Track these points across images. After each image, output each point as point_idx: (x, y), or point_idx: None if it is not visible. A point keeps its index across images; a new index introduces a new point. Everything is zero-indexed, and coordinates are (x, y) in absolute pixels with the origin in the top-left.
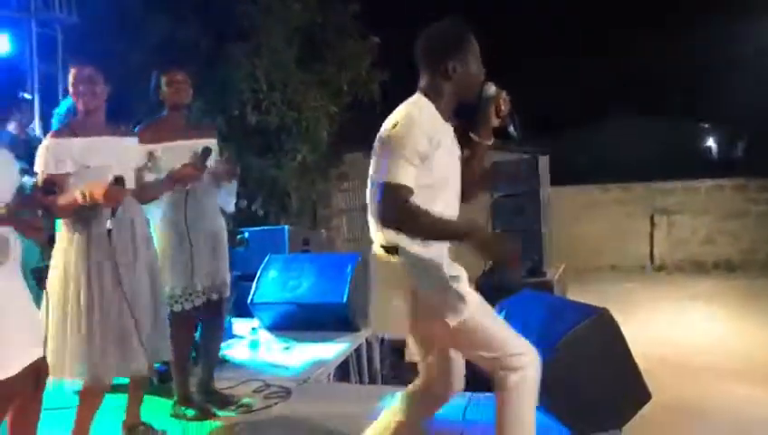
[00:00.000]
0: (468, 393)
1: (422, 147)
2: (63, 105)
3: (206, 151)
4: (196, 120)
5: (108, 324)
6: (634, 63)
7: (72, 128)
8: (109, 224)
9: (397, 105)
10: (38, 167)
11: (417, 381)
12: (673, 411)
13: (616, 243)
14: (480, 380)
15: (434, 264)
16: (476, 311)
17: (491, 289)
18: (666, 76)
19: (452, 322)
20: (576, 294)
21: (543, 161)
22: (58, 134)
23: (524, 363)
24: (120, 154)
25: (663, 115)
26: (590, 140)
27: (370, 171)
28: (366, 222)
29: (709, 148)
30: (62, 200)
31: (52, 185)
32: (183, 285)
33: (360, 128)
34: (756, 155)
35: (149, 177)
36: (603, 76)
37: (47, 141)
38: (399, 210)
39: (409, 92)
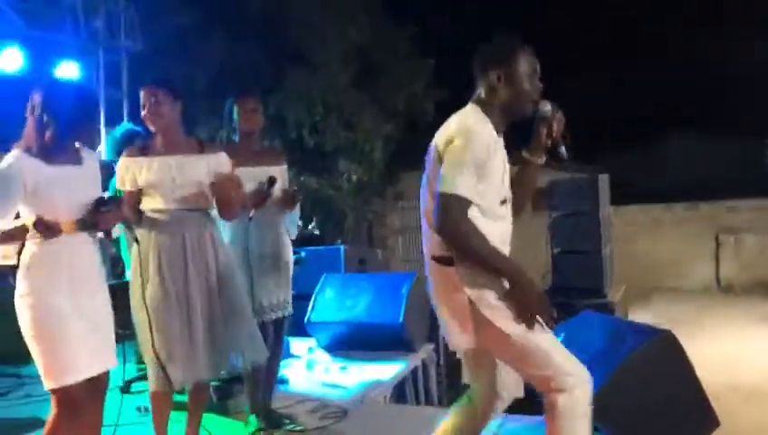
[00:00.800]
0: (503, 415)
1: (480, 155)
2: (120, 129)
3: (272, 180)
4: (268, 146)
5: (174, 331)
6: (697, 78)
7: (142, 148)
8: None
9: None
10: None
11: (465, 397)
12: None
13: (680, 263)
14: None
15: (487, 275)
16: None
17: (557, 307)
18: (730, 91)
19: (508, 329)
20: (638, 317)
21: (603, 180)
22: (129, 153)
23: (574, 384)
24: (185, 171)
25: (726, 132)
26: (652, 158)
27: (424, 181)
28: (421, 242)
29: None
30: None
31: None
32: (257, 299)
33: (415, 148)
34: None
35: None
36: (666, 91)
37: (120, 160)
38: (456, 225)
39: None
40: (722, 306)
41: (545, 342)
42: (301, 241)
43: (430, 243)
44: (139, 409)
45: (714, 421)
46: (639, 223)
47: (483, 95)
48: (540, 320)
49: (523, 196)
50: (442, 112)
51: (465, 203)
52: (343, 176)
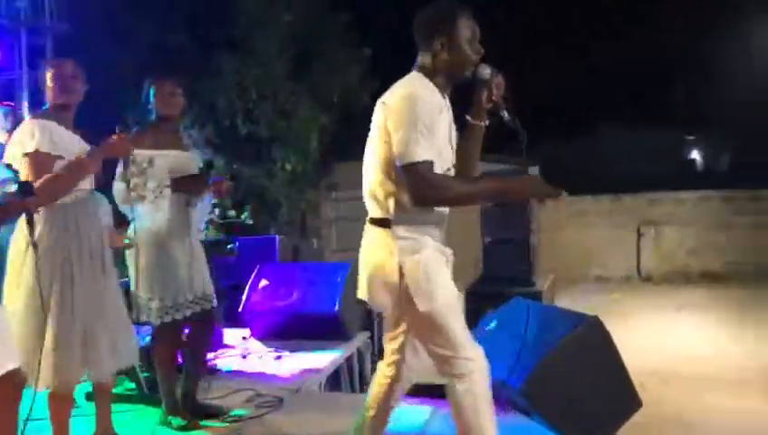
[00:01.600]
0: (432, 404)
1: (428, 118)
2: None
3: (210, 165)
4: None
5: (69, 327)
6: (624, 74)
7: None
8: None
9: None
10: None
11: (378, 370)
12: (662, 421)
13: (604, 253)
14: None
15: (422, 245)
16: (446, 306)
17: (481, 297)
18: (655, 88)
19: (422, 307)
20: (564, 304)
21: (533, 171)
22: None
23: (472, 368)
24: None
25: (650, 127)
26: (580, 151)
27: (370, 149)
28: (356, 232)
29: (694, 160)
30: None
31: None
32: (170, 295)
33: (350, 139)
34: (741, 167)
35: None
36: (594, 86)
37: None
38: (431, 186)
39: None
40: (642, 295)
41: (455, 323)
42: (234, 231)
43: (369, 206)
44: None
45: (637, 402)
46: (567, 214)
47: (426, 62)
48: None
49: (468, 160)
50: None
51: (428, 165)
52: (278, 165)
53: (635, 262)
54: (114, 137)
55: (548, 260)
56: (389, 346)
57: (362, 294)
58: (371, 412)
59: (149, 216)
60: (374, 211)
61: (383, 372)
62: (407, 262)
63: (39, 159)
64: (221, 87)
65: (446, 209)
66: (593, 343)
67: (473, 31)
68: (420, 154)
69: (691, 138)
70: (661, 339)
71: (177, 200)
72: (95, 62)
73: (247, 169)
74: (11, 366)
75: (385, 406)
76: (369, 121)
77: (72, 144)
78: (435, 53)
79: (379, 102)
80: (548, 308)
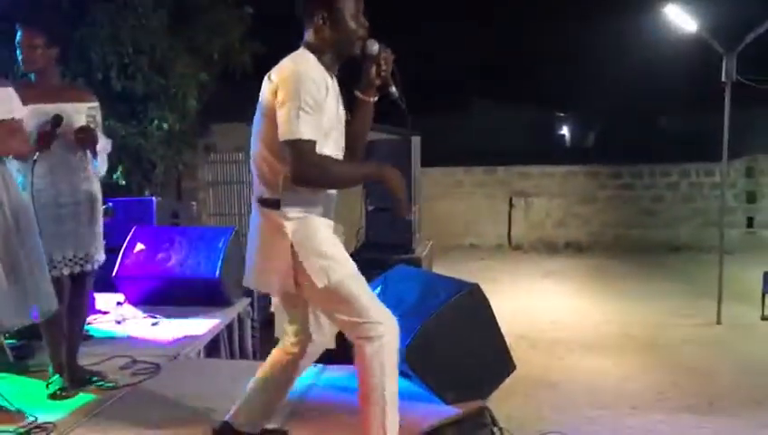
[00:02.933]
0: (319, 365)
1: (315, 96)
2: None
3: (57, 119)
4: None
5: None
6: (501, 51)
7: None
8: None
9: None
10: None
11: (280, 342)
12: (530, 382)
13: (477, 223)
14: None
15: (313, 223)
16: (347, 276)
17: (364, 263)
18: (529, 66)
19: (320, 283)
20: (441, 271)
21: (416, 142)
22: None
23: (382, 332)
24: None
25: (524, 103)
26: (455, 125)
27: (257, 127)
28: (233, 196)
29: (563, 136)
30: None
31: None
32: (49, 251)
33: (228, 100)
34: (606, 144)
35: None
36: (472, 61)
37: None
38: (311, 165)
39: None
40: (512, 262)
41: (360, 291)
42: (105, 191)
43: (257, 186)
44: None
45: (512, 366)
46: (443, 184)
47: (311, 38)
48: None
49: (357, 136)
50: (259, 66)
51: (310, 144)
52: (153, 123)
53: (506, 231)
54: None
55: (426, 228)
56: (291, 327)
57: (250, 281)
58: (267, 384)
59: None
60: (262, 191)
61: (286, 349)
62: (298, 241)
63: None
64: (95, 39)
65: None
66: (473, 308)
67: (357, 5)
68: (304, 132)
69: (562, 114)
70: (529, 304)
71: (65, 154)
72: None
73: (121, 126)
74: None
75: (286, 381)
76: (249, 82)
77: None
78: (318, 29)
79: (265, 79)
80: (430, 275)
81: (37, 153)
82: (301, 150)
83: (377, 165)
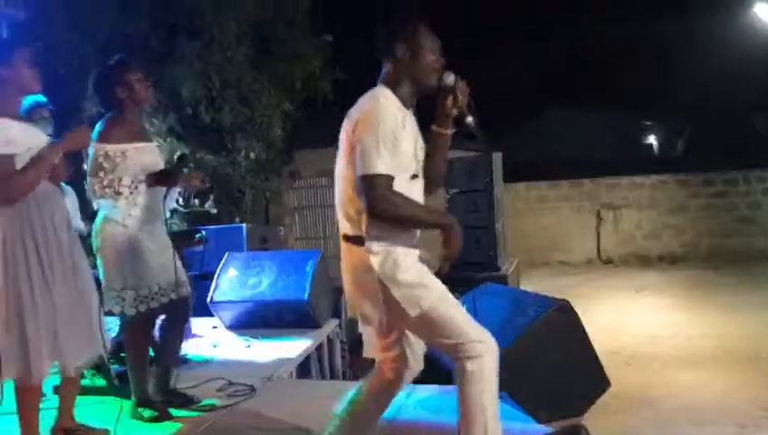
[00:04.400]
0: (408, 386)
1: (391, 132)
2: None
3: (183, 158)
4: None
5: (34, 320)
6: (576, 58)
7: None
8: None
9: (351, 104)
10: None
11: (375, 369)
12: (627, 399)
13: (564, 238)
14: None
15: (397, 254)
16: (439, 300)
17: (449, 282)
18: (612, 73)
19: (413, 312)
20: (528, 288)
21: (496, 157)
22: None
23: (482, 351)
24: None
25: (607, 112)
26: (535, 137)
27: (339, 165)
28: (318, 220)
29: (650, 145)
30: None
31: None
32: (144, 285)
33: (311, 126)
34: (695, 152)
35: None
36: (552, 71)
37: None
38: (384, 200)
39: (363, 92)
40: (603, 277)
41: (454, 312)
42: (198, 220)
43: (342, 222)
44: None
45: (606, 383)
46: (528, 199)
47: (389, 73)
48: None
49: (437, 168)
50: (340, 92)
51: (386, 179)
52: (241, 153)
53: (595, 245)
54: (74, 130)
55: (512, 245)
56: (387, 354)
57: (351, 312)
58: (361, 411)
59: (123, 210)
60: (346, 228)
61: (381, 376)
62: (384, 274)
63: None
64: (184, 74)
65: None
66: (563, 325)
67: (433, 39)
68: (379, 167)
69: (648, 123)
70: (623, 319)
71: (150, 193)
72: (53, 51)
73: (211, 157)
74: None
75: (379, 407)
76: (331, 108)
77: (29, 138)
78: (397, 62)
79: (345, 119)
80: (517, 292)
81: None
82: (374, 184)
83: (443, 215)
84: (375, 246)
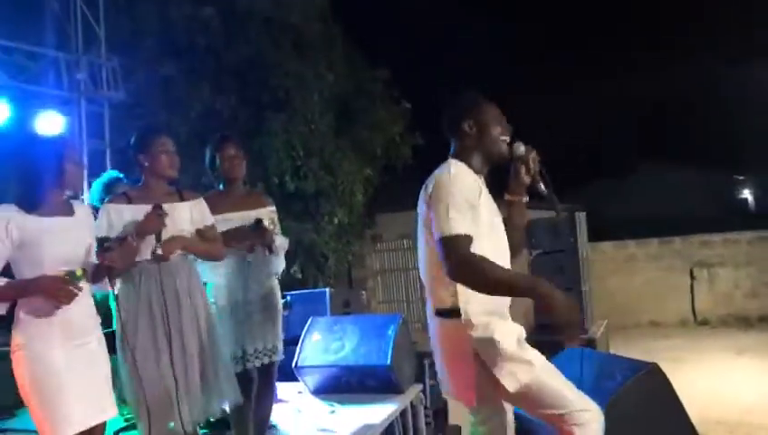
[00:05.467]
0: None
1: (468, 195)
2: (105, 176)
3: (258, 222)
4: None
5: (165, 381)
6: (663, 112)
7: (125, 195)
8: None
9: (430, 168)
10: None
11: None
12: None
13: (656, 298)
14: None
15: (493, 327)
16: (540, 371)
17: (535, 347)
18: (701, 126)
19: (512, 387)
20: (619, 352)
21: (580, 218)
22: (113, 200)
23: (589, 419)
24: (171, 218)
25: (698, 166)
26: (621, 194)
27: (421, 239)
28: (401, 283)
29: (745, 199)
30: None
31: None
32: (242, 346)
33: (392, 191)
34: None
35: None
36: (637, 126)
37: (104, 206)
38: (466, 263)
39: (442, 155)
40: (699, 340)
41: (556, 383)
42: (283, 285)
43: (432, 297)
44: None
45: None
46: (615, 259)
47: (458, 147)
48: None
49: (515, 237)
50: (419, 157)
51: (466, 239)
52: (324, 219)
53: (689, 306)
54: (148, 215)
55: (600, 307)
56: (481, 429)
57: (445, 391)
58: None
59: (209, 272)
60: (435, 302)
61: None
62: (481, 348)
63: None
64: (271, 146)
65: None
66: (653, 390)
67: (497, 111)
68: (456, 228)
69: (741, 177)
70: (723, 385)
71: (236, 255)
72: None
73: (296, 223)
74: (96, 421)
75: None
76: (411, 173)
77: (132, 220)
78: (465, 137)
79: (421, 192)
80: (604, 356)
81: (250, 255)
82: (454, 246)
83: (537, 281)
84: (469, 317)
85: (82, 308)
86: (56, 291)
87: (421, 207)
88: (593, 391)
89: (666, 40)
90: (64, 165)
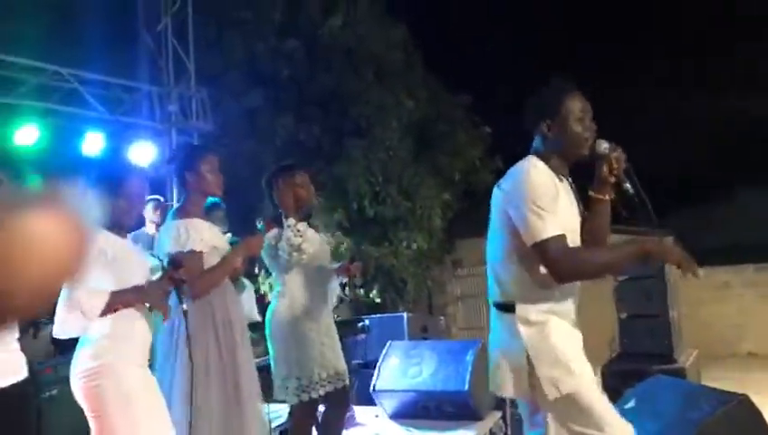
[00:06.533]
0: None
1: (545, 197)
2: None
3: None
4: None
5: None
6: (759, 130)
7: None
8: (185, 305)
9: None
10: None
11: None
12: None
13: (753, 328)
14: None
15: (550, 328)
16: (583, 386)
17: (619, 375)
18: None
19: (551, 395)
20: (711, 383)
21: (668, 242)
22: (184, 215)
23: None
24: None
25: None
26: (713, 218)
27: (492, 234)
28: (481, 309)
29: None
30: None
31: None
32: (308, 374)
33: (472, 216)
34: None
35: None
36: (729, 147)
37: (177, 223)
38: (567, 261)
39: None
40: None
41: (597, 401)
42: (362, 309)
43: (493, 289)
44: None
45: None
46: (707, 286)
47: (538, 144)
48: None
49: (597, 235)
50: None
51: (560, 238)
52: (403, 244)
53: None
54: (250, 238)
55: (691, 336)
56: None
57: (493, 385)
58: None
59: (284, 297)
60: (498, 296)
61: None
62: (533, 346)
63: (194, 258)
64: (350, 173)
65: (573, 287)
66: (743, 423)
67: (582, 109)
68: (548, 230)
69: None
70: None
71: (313, 281)
72: (237, 158)
73: (374, 249)
74: None
75: None
76: (491, 197)
77: (214, 237)
78: (544, 136)
79: (495, 188)
80: (690, 385)
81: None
82: (552, 249)
83: (635, 242)
84: (527, 313)
85: (151, 328)
86: (158, 299)
87: (495, 200)
88: (679, 422)
89: (751, 65)
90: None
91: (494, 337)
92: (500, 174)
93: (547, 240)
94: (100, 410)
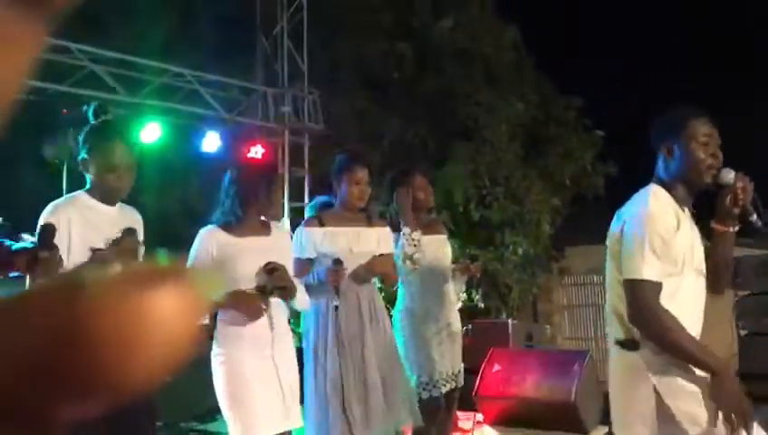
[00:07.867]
0: None
1: (660, 236)
2: (318, 201)
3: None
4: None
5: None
6: None
7: (318, 220)
8: (335, 301)
9: (624, 200)
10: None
11: None
12: None
13: None
14: None
15: (677, 364)
16: (719, 424)
17: (750, 396)
18: None
19: (693, 430)
20: None
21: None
22: (308, 224)
23: None
24: (360, 242)
25: None
26: None
27: (609, 265)
28: (589, 319)
29: None
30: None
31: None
32: (428, 372)
33: (581, 222)
34: None
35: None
36: None
37: (298, 230)
38: (648, 311)
39: (636, 187)
40: None
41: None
42: (465, 314)
43: (612, 325)
44: None
45: None
46: None
47: (660, 171)
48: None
49: (719, 268)
50: (611, 187)
51: (653, 286)
52: (509, 249)
53: None
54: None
55: None
56: None
57: (617, 429)
58: None
59: (408, 295)
60: (618, 332)
61: None
62: (662, 384)
63: (296, 264)
64: (457, 175)
65: (697, 322)
66: None
67: (707, 134)
68: (645, 272)
69: None
70: None
71: (431, 282)
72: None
73: (479, 253)
74: (284, 428)
75: None
76: (602, 205)
77: (322, 242)
78: (665, 161)
79: (615, 216)
80: None
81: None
82: (639, 290)
83: (718, 363)
84: (652, 350)
85: (271, 322)
86: (247, 308)
87: (613, 229)
88: None
89: None
90: (268, 192)
91: (614, 378)
92: (612, 180)
93: (642, 281)
94: (217, 390)
